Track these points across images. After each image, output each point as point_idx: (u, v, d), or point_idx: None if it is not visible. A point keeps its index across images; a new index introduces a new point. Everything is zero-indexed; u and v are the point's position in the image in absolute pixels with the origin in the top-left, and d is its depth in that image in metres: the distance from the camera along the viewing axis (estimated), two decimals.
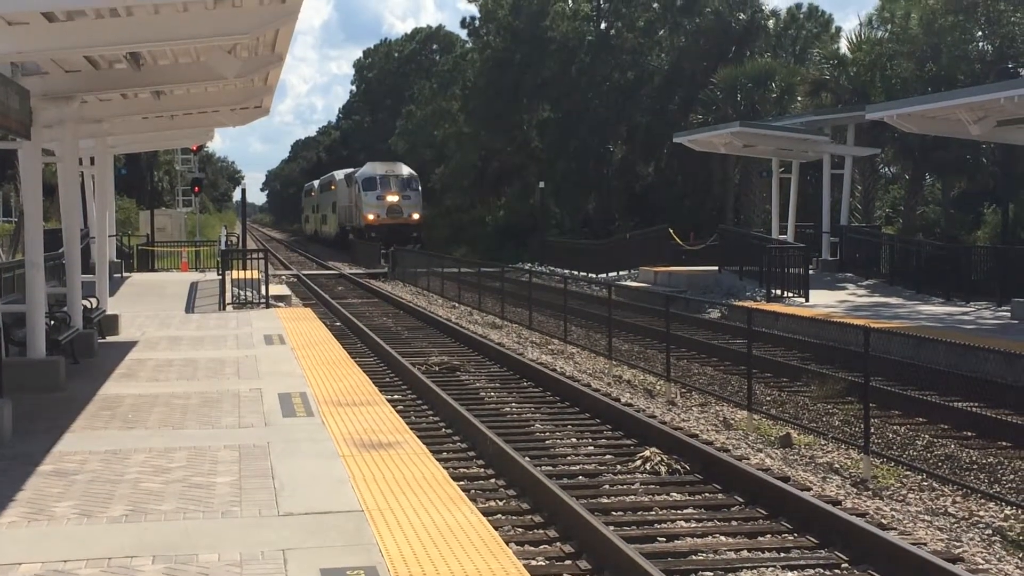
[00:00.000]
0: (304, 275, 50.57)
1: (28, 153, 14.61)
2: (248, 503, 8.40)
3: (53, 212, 33.03)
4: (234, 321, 22.47)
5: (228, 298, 25.90)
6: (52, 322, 15.40)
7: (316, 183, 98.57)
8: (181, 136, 30.90)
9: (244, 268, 28.83)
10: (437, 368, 20.51)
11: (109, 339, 18.94)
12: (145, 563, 7.04)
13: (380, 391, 14.17)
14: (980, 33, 39.34)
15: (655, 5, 64.93)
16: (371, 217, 63.33)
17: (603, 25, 67.11)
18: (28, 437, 10.88)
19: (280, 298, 29.31)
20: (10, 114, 12.27)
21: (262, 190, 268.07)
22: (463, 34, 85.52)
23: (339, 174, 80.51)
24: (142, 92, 18.11)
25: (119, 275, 33.46)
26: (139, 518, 8.05)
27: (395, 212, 63.34)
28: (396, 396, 17.32)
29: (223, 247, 33.71)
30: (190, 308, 25.48)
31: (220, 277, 28.07)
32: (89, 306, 17.91)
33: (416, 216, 64.29)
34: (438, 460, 10.28)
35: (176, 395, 13.31)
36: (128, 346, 18.12)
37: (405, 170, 66.86)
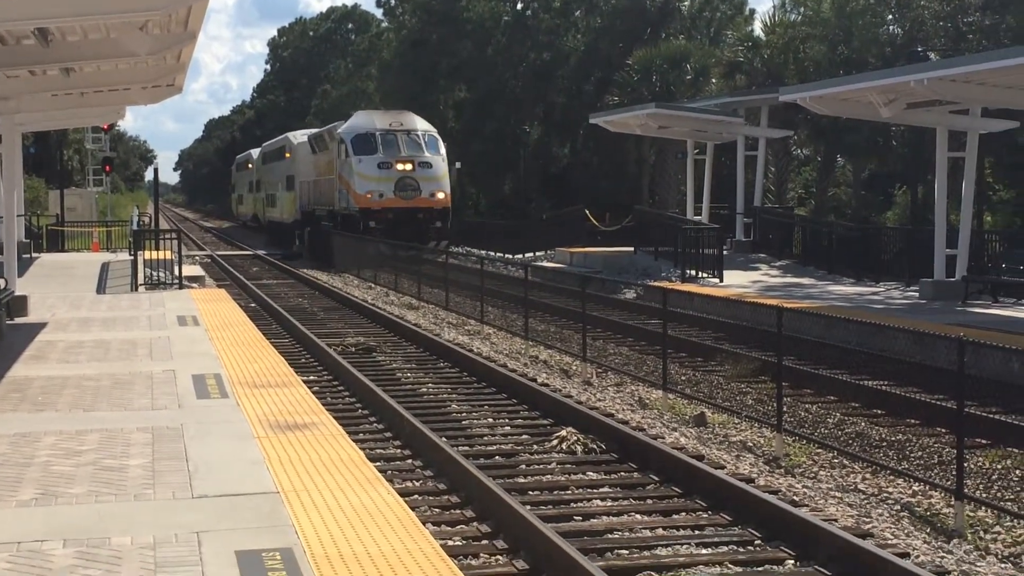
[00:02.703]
0: (219, 255, 50.09)
1: None
2: (161, 485, 8.31)
3: None
4: (147, 302, 22.18)
5: (140, 279, 25.56)
6: None
7: (256, 152, 75.34)
8: (92, 114, 30.44)
9: (157, 248, 28.46)
10: (353, 349, 20.42)
11: (18, 320, 18.61)
12: (56, 547, 6.93)
13: (296, 372, 14.09)
14: (891, 17, 39.90)
15: None
16: (369, 196, 41.64)
17: (519, 6, 67.09)
18: None
19: (194, 279, 28.99)
20: None
21: (175, 170, 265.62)
22: (379, 13, 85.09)
23: (297, 136, 58.85)
24: (51, 69, 17.82)
25: (28, 256, 32.87)
26: (49, 502, 7.93)
27: (408, 189, 41.82)
28: (312, 377, 17.22)
29: (135, 227, 33.23)
30: (101, 289, 25.11)
31: (132, 257, 27.70)
32: None
33: (441, 196, 42.38)
34: (354, 441, 10.25)
35: (87, 377, 13.12)
36: (38, 327, 17.82)
37: (420, 123, 44.81)
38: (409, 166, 42.02)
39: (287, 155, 58.98)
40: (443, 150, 44.01)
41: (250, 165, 76.63)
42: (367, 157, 42.18)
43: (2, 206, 21.92)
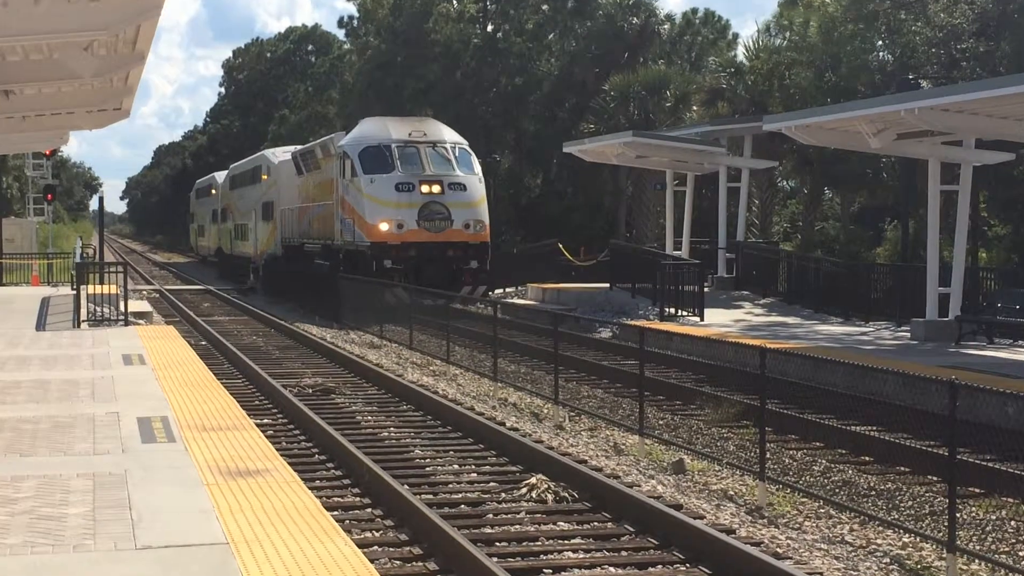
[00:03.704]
0: (167, 290, 49.91)
1: None
2: (103, 536, 8.25)
3: None
4: (90, 339, 22.08)
5: (83, 315, 25.44)
6: None
7: (221, 176, 69.01)
8: (33, 139, 30.39)
9: (101, 282, 28.33)
10: (310, 390, 20.38)
11: None
12: None
13: (248, 415, 14.04)
14: (881, 43, 40.23)
15: (544, 7, 65.34)
16: (385, 228, 34.76)
17: (490, 28, 67.36)
18: None
19: (140, 315, 28.87)
20: None
21: (122, 198, 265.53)
22: (341, 34, 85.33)
23: (277, 153, 52.07)
24: None
25: None
26: None
27: (437, 218, 34.97)
28: (266, 420, 17.17)
29: (78, 260, 33.10)
30: (41, 325, 24.99)
31: (75, 292, 27.58)
32: None
33: (479, 227, 35.66)
34: (310, 489, 10.21)
35: (25, 419, 13.03)
36: None
37: (448, 133, 38.01)
38: (437, 188, 35.12)
39: (264, 177, 52.45)
40: (478, 168, 37.17)
41: (214, 191, 70.41)
42: (381, 176, 35.13)
43: None
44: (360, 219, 35.44)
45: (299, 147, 48.68)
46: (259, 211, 52.87)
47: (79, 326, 24.86)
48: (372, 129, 37.38)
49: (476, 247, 35.20)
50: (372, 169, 35.44)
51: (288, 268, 42.74)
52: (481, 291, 34.92)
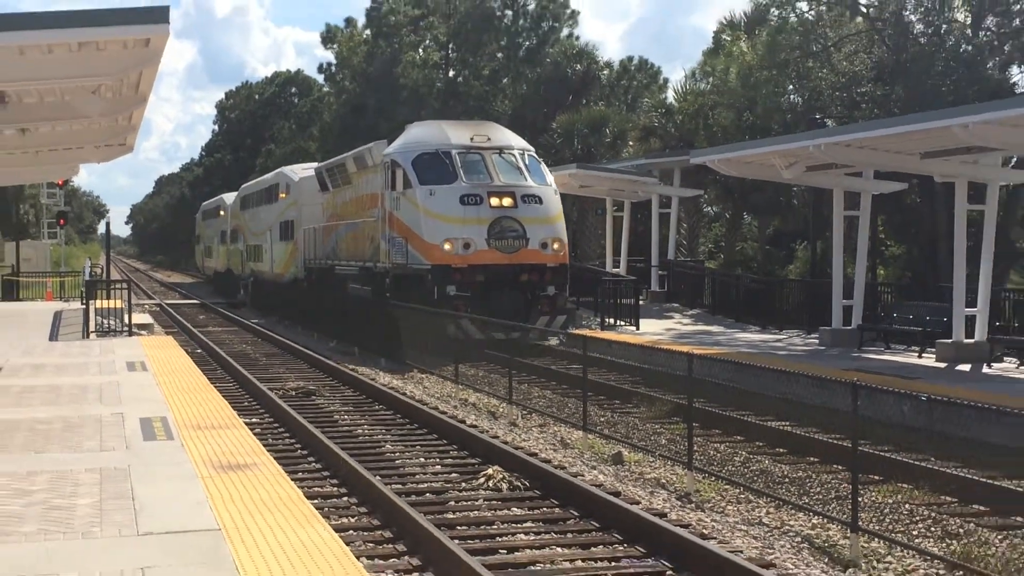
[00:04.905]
0: (167, 304, 49.51)
1: None
2: (108, 524, 8.17)
3: None
4: (97, 349, 21.88)
5: (92, 326, 25.22)
6: None
7: (230, 197, 61.25)
8: (47, 171, 30.14)
9: (108, 298, 28.10)
10: (294, 393, 20.27)
11: None
12: None
13: (238, 415, 13.95)
14: (791, 87, 40.48)
15: (499, 56, 65.44)
16: (448, 249, 26.75)
17: (451, 73, 67.38)
18: None
19: (143, 327, 28.62)
20: None
21: (127, 223, 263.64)
22: (320, 78, 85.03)
23: (296, 171, 45.04)
24: (7, 129, 17.63)
25: None
26: None
27: (509, 235, 26.89)
28: (254, 419, 17.07)
29: (87, 277, 32.81)
30: (54, 336, 24.75)
31: (84, 306, 27.35)
32: None
33: (557, 246, 27.47)
34: (293, 480, 10.16)
35: (39, 420, 12.89)
36: None
37: (515, 139, 30.00)
38: (508, 200, 27.10)
39: (282, 195, 44.98)
40: (551, 178, 28.97)
41: (222, 212, 62.96)
42: (442, 188, 27.18)
43: None
44: (416, 238, 27.45)
45: (323, 163, 41.19)
46: (276, 230, 45.68)
47: (88, 337, 24.63)
48: (426, 134, 29.18)
49: (555, 270, 27.34)
50: (430, 179, 27.52)
51: (309, 291, 36.95)
52: (560, 322, 27.42)
